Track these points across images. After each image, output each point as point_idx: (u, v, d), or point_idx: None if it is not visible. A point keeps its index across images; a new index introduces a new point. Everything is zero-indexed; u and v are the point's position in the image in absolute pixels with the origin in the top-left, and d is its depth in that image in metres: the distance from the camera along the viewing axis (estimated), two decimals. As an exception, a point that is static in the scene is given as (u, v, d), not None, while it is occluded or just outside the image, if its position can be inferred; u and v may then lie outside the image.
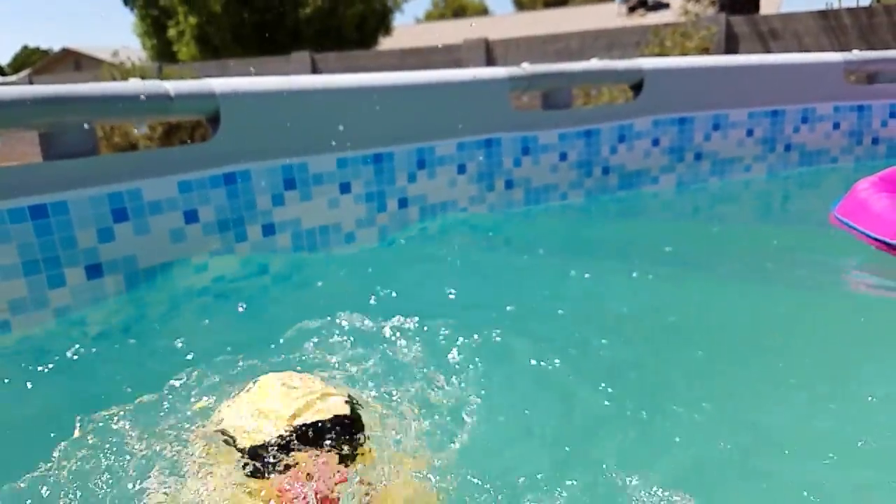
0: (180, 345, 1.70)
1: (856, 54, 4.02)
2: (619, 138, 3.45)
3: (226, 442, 1.04)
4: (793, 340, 1.63)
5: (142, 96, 2.14)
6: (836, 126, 4.05)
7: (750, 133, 3.90)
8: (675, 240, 2.72)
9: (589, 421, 1.31)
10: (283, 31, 18.05)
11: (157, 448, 1.14)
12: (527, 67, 3.14)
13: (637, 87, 3.49)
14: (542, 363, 1.47)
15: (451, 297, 2.02)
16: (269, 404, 1.05)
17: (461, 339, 1.52)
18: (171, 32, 17.95)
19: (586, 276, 2.10)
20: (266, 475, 0.99)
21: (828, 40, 9.86)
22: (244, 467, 1.00)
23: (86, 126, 2.09)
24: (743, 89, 3.81)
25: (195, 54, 17.61)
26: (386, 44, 19.72)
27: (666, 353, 1.58)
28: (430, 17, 43.02)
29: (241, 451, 1.02)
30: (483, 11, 42.81)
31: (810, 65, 3.98)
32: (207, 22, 17.31)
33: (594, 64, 3.37)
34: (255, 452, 1.01)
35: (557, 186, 3.36)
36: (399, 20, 21.92)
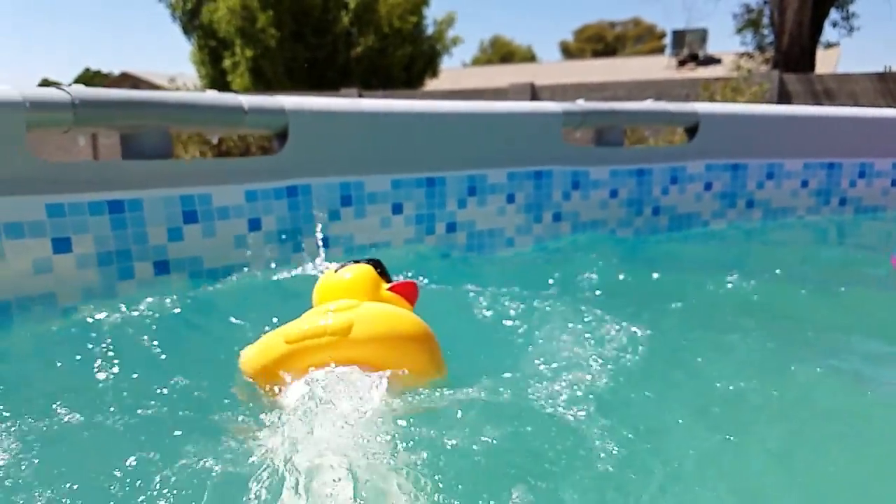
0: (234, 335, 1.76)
1: (917, 112, 3.98)
2: (672, 180, 3.46)
3: None
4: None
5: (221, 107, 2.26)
6: (895, 183, 3.99)
7: (805, 184, 3.86)
8: (726, 281, 2.69)
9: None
10: (334, 68, 18.68)
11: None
12: (581, 104, 3.20)
13: (692, 131, 3.51)
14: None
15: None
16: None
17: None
18: (227, 63, 18.71)
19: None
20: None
21: (885, 103, 9.74)
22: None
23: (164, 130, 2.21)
24: (799, 140, 3.79)
25: (248, 85, 18.31)
26: (432, 85, 20.19)
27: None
28: (476, 62, 44.00)
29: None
30: (531, 58, 43.61)
31: (869, 119, 3.95)
32: (262, 55, 18.04)
33: (649, 105, 3.41)
34: None
35: (606, 222, 3.37)
36: (446, 63, 22.38)
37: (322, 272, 1.80)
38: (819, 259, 3.25)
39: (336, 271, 1.68)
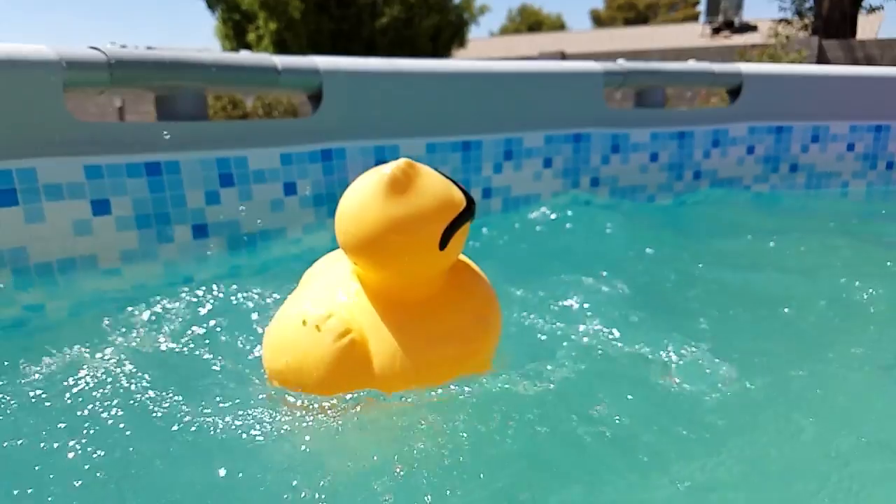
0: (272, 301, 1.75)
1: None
2: (714, 143, 3.35)
3: None
4: None
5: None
6: (946, 146, 3.81)
7: (850, 147, 3.71)
8: (771, 244, 2.60)
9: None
10: (359, 40, 18.47)
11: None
12: (622, 63, 3.09)
13: (734, 92, 3.38)
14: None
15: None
16: None
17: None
18: (251, 36, 18.62)
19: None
20: None
21: (930, 65, 9.32)
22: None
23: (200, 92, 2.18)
24: (846, 101, 3.63)
25: (272, 58, 18.23)
26: (459, 56, 19.91)
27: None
28: (504, 31, 43.21)
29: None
30: (560, 27, 42.68)
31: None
32: (286, 28, 17.91)
33: (692, 65, 3.28)
34: None
35: (645, 187, 3.28)
36: (474, 33, 21.99)
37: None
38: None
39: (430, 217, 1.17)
